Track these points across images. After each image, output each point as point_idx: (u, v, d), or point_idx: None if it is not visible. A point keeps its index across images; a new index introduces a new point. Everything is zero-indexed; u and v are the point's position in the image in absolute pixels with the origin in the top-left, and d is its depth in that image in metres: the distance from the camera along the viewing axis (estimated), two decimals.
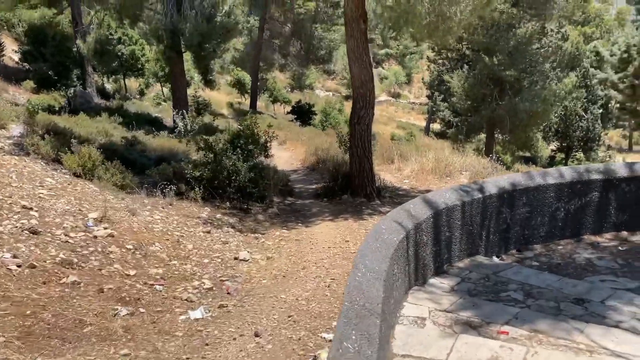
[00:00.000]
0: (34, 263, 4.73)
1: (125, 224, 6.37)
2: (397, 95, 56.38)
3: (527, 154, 30.06)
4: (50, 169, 8.25)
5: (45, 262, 4.85)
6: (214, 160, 8.63)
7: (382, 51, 60.14)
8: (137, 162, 10.51)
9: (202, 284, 5.24)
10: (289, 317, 4.39)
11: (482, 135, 25.39)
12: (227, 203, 8.52)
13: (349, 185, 9.50)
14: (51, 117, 12.38)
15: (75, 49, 20.68)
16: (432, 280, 5.01)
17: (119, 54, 24.99)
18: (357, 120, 9.23)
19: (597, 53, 30.53)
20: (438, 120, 36.51)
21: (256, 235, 7.35)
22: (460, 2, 8.36)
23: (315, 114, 29.42)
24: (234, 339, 4.02)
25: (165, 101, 27.13)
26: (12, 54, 22.95)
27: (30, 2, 23.73)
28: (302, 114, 28.97)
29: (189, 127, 16.28)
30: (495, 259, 5.81)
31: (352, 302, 2.99)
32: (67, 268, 4.88)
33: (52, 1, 22.81)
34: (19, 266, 4.59)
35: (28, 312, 3.90)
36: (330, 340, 3.82)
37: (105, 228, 6.06)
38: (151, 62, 27.72)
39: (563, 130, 30.68)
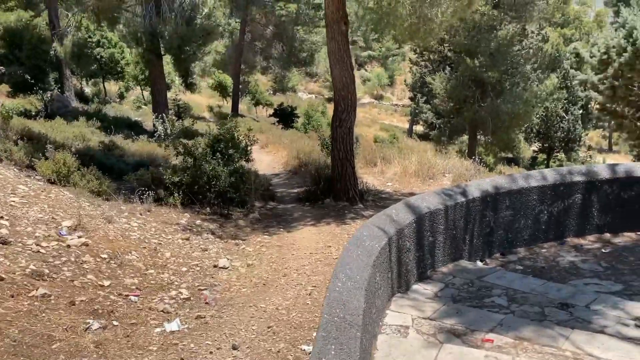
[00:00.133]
0: (2, 275, 4.52)
1: (101, 232, 6.17)
2: (380, 98, 56.53)
3: (510, 155, 30.33)
4: (24, 175, 7.98)
5: (14, 274, 4.64)
6: (193, 165, 8.46)
7: (365, 53, 60.26)
8: (114, 167, 10.27)
9: (180, 294, 5.07)
10: (269, 327, 4.25)
11: (465, 137, 25.55)
12: (207, 209, 8.35)
13: (331, 189, 9.39)
14: (26, 122, 12.07)
15: (52, 52, 20.30)
16: (415, 287, 4.91)
17: (98, 57, 24.65)
18: (339, 123, 9.13)
19: (577, 55, 30.94)
20: (421, 122, 36.65)
21: (237, 241, 7.19)
22: (441, 4, 8.32)
23: (298, 117, 29.29)
24: (211, 352, 3.87)
25: (145, 105, 26.81)
26: None
27: (6, 5, 23.29)
28: (285, 116, 28.81)
29: (169, 131, 16.03)
30: (479, 263, 5.74)
31: (332, 315, 2.87)
32: (38, 280, 4.67)
33: (29, 4, 22.41)
34: None
35: None
36: (310, 353, 3.70)
37: (79, 237, 5.85)
38: (131, 65, 27.39)
39: (544, 131, 31.03)
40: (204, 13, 18.49)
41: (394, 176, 11.86)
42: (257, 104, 35.76)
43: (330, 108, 22.98)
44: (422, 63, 30.96)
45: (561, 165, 27.69)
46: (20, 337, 3.67)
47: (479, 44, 19.37)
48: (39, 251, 5.22)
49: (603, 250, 5.93)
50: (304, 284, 5.39)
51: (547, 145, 31.99)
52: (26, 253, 5.10)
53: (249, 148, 9.29)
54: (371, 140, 22.69)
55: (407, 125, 40.42)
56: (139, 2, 17.93)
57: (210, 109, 31.86)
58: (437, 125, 28.37)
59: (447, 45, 22.91)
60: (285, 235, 7.53)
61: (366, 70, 59.37)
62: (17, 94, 19.03)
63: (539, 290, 4.72)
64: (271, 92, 41.78)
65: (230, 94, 31.74)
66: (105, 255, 5.56)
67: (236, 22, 29.48)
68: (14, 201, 6.42)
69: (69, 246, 5.50)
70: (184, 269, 5.85)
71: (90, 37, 24.25)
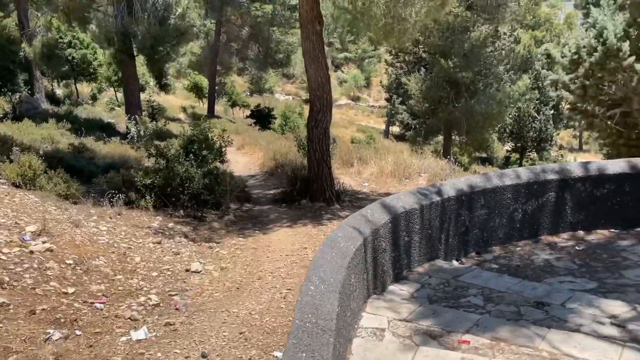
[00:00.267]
0: None
1: (67, 237, 5.93)
2: (356, 99, 56.65)
3: (484, 155, 30.69)
4: None
5: None
6: (166, 167, 8.26)
7: (341, 55, 60.31)
8: (84, 170, 9.98)
9: (149, 300, 4.89)
10: (241, 334, 4.11)
11: (440, 137, 25.73)
12: (181, 211, 8.14)
13: (307, 190, 9.28)
14: None
15: (21, 53, 19.75)
16: (391, 287, 4.84)
17: (69, 57, 24.08)
18: (315, 123, 9.03)
19: (549, 55, 31.47)
20: (397, 123, 36.84)
21: (210, 244, 7.02)
22: (415, 4, 8.31)
23: (275, 118, 29.11)
24: None
25: (119, 106, 26.31)
26: None
27: None
28: (262, 118, 28.60)
29: (142, 132, 15.71)
30: (454, 262, 5.70)
31: (303, 320, 2.76)
32: None
33: None
34: None
35: None
36: None
37: (43, 242, 5.61)
38: (104, 67, 26.85)
39: (517, 131, 31.52)
40: (177, 13, 18.20)
41: (371, 176, 11.81)
42: (233, 105, 35.43)
43: (307, 109, 22.89)
44: (398, 64, 31.13)
45: (534, 165, 28.11)
46: None
47: (452, 45, 19.53)
48: None
49: (577, 248, 5.95)
50: (279, 287, 5.26)
51: (519, 144, 32.50)
52: None
53: (223, 149, 9.12)
54: (348, 141, 22.67)
55: (383, 127, 40.56)
56: (111, 2, 17.53)
57: (184, 109, 31.43)
58: (413, 126, 28.55)
59: (421, 46, 23.05)
60: (260, 237, 7.39)
61: (343, 71, 59.43)
62: None
63: (514, 289, 4.69)
64: (248, 93, 41.47)
65: (206, 95, 31.37)
66: (70, 261, 5.34)
67: (211, 23, 29.17)
68: None
69: (32, 252, 5.27)
70: (155, 273, 5.66)
71: (61, 37, 23.65)
